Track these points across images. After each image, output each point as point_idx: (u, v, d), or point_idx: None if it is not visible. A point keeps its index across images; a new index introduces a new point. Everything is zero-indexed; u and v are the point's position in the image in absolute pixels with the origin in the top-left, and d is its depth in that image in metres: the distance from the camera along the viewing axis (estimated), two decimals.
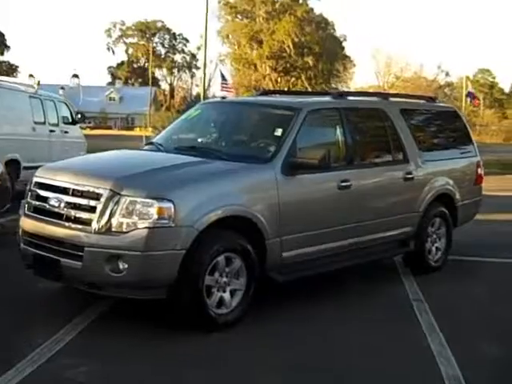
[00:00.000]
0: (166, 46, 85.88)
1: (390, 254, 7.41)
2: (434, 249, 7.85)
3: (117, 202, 5.26)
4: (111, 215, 5.25)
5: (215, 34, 73.00)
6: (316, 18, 69.71)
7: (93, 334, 5.45)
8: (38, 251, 5.66)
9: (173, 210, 5.21)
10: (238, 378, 4.75)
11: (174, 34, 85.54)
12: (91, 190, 5.40)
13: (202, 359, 5.04)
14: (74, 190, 5.52)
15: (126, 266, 5.18)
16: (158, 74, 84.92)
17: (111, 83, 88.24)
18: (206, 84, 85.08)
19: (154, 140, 7.12)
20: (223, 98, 7.80)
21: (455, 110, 8.67)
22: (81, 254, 5.29)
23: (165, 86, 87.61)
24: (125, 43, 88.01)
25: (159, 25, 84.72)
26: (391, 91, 55.01)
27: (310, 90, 68.79)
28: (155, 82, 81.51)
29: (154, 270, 5.23)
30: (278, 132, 6.30)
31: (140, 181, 5.44)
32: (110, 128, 69.05)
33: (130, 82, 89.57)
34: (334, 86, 73.15)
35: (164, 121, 59.42)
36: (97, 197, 5.35)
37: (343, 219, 6.60)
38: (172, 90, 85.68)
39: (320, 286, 6.85)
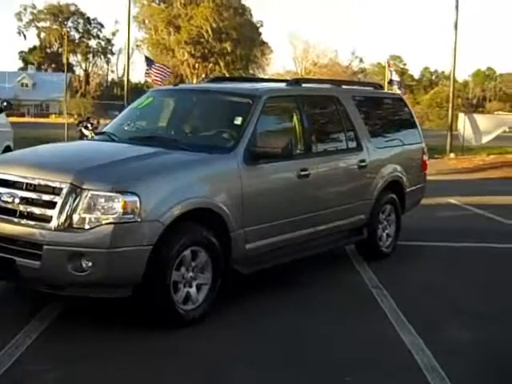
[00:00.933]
0: (80, 30, 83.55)
1: (345, 242, 7.40)
2: (384, 235, 7.90)
3: (78, 197, 4.96)
4: (72, 211, 4.95)
5: (131, 19, 71.71)
6: (234, 3, 69.42)
7: (54, 335, 5.16)
8: None
9: (138, 203, 4.97)
10: (212, 373, 4.60)
11: (88, 18, 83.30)
12: (49, 184, 5.07)
13: (168, 353, 4.87)
14: (29, 184, 5.18)
15: (90, 264, 4.89)
16: (73, 59, 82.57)
17: (23, 68, 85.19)
18: (121, 71, 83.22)
19: (105, 129, 6.79)
20: (176, 85, 7.53)
21: (401, 97, 8.73)
22: (39, 252, 4.96)
23: (79, 71, 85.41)
24: (37, 27, 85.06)
25: (72, 9, 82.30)
26: (310, 77, 55.53)
27: (227, 75, 68.82)
28: (69, 67, 79.15)
29: (120, 268, 4.97)
30: (238, 120, 6.12)
31: (102, 174, 5.15)
32: (23, 115, 66.60)
33: (43, 67, 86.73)
34: (251, 72, 73.30)
35: (80, 107, 58.24)
36: (56, 191, 5.03)
37: (303, 208, 6.51)
38: (87, 76, 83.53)
39: (275, 278, 6.71)
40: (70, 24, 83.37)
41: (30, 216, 5.11)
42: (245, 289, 6.28)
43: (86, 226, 4.93)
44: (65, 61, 61.17)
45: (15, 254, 5.10)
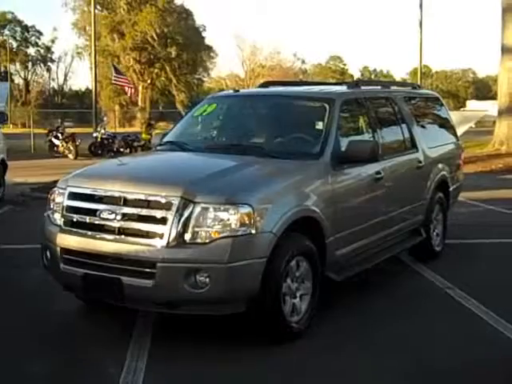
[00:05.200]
0: (18, 38, 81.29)
1: (409, 243, 7.32)
2: (435, 234, 7.88)
3: (190, 211, 4.74)
4: (185, 226, 4.72)
5: (70, 27, 70.42)
6: (177, 8, 68.84)
7: (161, 356, 4.90)
8: (89, 271, 4.98)
9: (252, 215, 4.78)
10: None
11: (25, 26, 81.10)
12: (157, 199, 4.82)
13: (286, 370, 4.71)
14: (133, 199, 4.92)
15: (208, 280, 4.68)
16: (11, 68, 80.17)
17: None
18: (62, 78, 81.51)
19: (169, 139, 6.52)
20: (236, 90, 7.31)
21: (438, 97, 8.74)
22: (152, 270, 4.72)
23: (18, 80, 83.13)
24: None
25: (9, 16, 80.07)
26: (261, 80, 55.64)
27: (174, 81, 68.22)
28: (8, 76, 77.00)
29: (238, 283, 4.78)
30: (319, 125, 6.00)
31: (212, 185, 4.93)
32: None
33: None
34: (197, 76, 72.89)
35: (25, 117, 56.66)
36: (165, 206, 4.79)
37: (378, 212, 6.46)
38: (27, 84, 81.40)
39: (340, 290, 6.45)
40: (7, 32, 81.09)
41: (136, 233, 4.86)
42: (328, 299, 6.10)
43: (201, 241, 4.72)
44: (9, 69, 59.22)
45: (121, 273, 4.83)
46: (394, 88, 7.73)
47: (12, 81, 78.63)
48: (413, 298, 6.43)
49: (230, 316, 5.00)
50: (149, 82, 68.19)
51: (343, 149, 5.85)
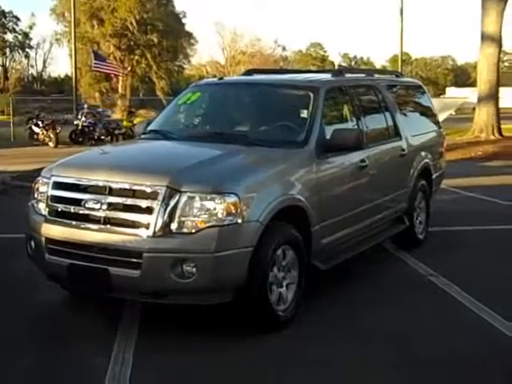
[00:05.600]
0: None
1: (393, 231, 7.35)
2: (417, 222, 7.92)
3: (176, 200, 4.72)
4: (171, 215, 4.71)
5: (49, 12, 69.60)
6: None
7: (149, 345, 4.90)
8: (74, 261, 4.95)
9: (239, 204, 4.77)
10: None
11: (3, 11, 79.93)
12: (143, 188, 4.80)
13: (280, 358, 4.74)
14: (118, 189, 4.89)
15: (194, 269, 4.67)
16: None
17: None
18: (41, 65, 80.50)
19: (153, 127, 6.47)
20: (220, 78, 7.27)
21: (421, 84, 8.76)
22: (138, 260, 4.71)
23: None
24: None
25: None
26: (241, 67, 55.61)
27: (155, 68, 67.72)
28: None
29: (225, 272, 4.78)
30: (304, 113, 6.00)
31: (198, 175, 4.91)
32: None
33: None
34: (177, 63, 72.42)
35: (3, 105, 56.04)
36: (151, 195, 4.77)
37: (363, 200, 6.48)
38: (5, 71, 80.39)
39: (326, 277, 6.47)
40: None
41: (122, 223, 4.83)
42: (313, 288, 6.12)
43: (188, 231, 4.71)
44: None
45: (108, 263, 4.81)
46: (377, 76, 7.73)
47: None
48: (397, 286, 6.47)
49: (216, 306, 5.00)
50: (129, 69, 67.66)
51: (328, 137, 5.85)
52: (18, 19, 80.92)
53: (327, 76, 6.88)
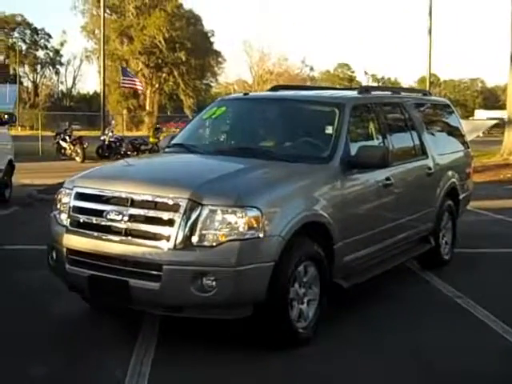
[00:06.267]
0: (28, 41, 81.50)
1: (418, 251, 7.23)
2: (443, 242, 7.79)
3: (198, 213, 4.68)
4: (193, 228, 4.67)
5: (79, 30, 70.64)
6: (186, 13, 69.02)
7: (167, 359, 4.85)
8: (95, 272, 4.93)
9: (260, 218, 4.72)
10: None
11: (35, 28, 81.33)
12: (165, 200, 4.76)
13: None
14: (140, 200, 4.86)
15: (215, 283, 4.62)
16: (20, 70, 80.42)
17: None
18: (71, 81, 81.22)
19: (177, 141, 6.47)
20: (246, 93, 7.27)
21: (449, 103, 8.67)
22: (158, 273, 4.66)
23: (27, 83, 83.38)
24: None
25: (19, 19, 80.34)
26: (268, 86, 55.70)
27: (182, 85, 68.29)
28: (17, 79, 77.24)
29: (246, 287, 4.72)
30: (329, 129, 5.95)
31: (220, 188, 4.87)
32: None
33: None
34: (204, 81, 72.96)
35: (33, 119, 56.83)
36: (172, 208, 4.73)
37: (387, 218, 6.39)
38: (36, 87, 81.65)
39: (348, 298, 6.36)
40: (16, 35, 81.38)
41: (143, 234, 4.80)
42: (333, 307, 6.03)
43: (209, 244, 4.66)
44: (18, 72, 59.36)
45: (128, 275, 4.78)
46: (404, 94, 7.66)
47: (21, 83, 78.94)
48: (420, 306, 6.35)
49: (235, 320, 4.94)
50: (157, 86, 68.34)
51: (353, 154, 5.79)
52: (50, 36, 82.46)
53: (353, 93, 6.83)
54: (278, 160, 5.63)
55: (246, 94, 7.21)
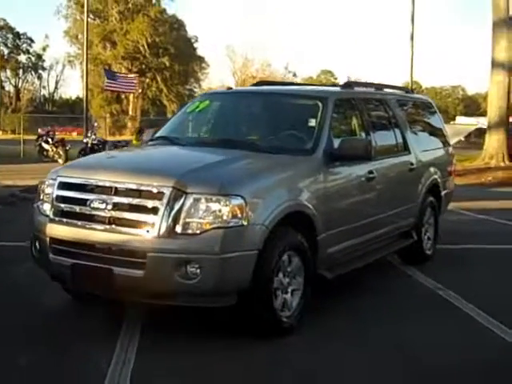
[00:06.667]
0: (10, 45, 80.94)
1: (399, 245, 7.27)
2: (426, 238, 7.85)
3: (182, 201, 4.69)
4: (177, 216, 4.67)
5: (62, 35, 70.43)
6: (169, 18, 69.04)
7: (152, 348, 4.85)
8: (78, 261, 4.92)
9: (244, 207, 4.74)
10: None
11: (17, 33, 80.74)
12: (149, 189, 4.77)
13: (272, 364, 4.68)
14: (124, 189, 4.86)
15: (198, 271, 4.63)
16: (2, 75, 79.86)
17: None
18: (53, 86, 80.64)
19: (161, 134, 6.47)
20: (229, 88, 7.30)
21: (431, 102, 8.74)
22: (142, 261, 4.67)
23: (9, 87, 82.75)
24: None
25: (1, 23, 79.75)
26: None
27: (165, 91, 68.26)
28: None
29: (229, 274, 4.73)
30: (312, 122, 5.98)
31: (204, 176, 4.89)
32: None
33: None
34: (188, 86, 72.96)
35: (15, 124, 56.46)
36: (156, 196, 4.73)
37: (369, 212, 6.43)
38: (18, 91, 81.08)
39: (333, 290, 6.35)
40: None
41: (127, 223, 4.80)
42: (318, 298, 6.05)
43: (192, 232, 4.67)
44: None
45: (112, 263, 4.78)
46: (387, 91, 7.73)
47: (2, 88, 78.50)
48: (404, 298, 6.39)
49: (220, 309, 4.95)
50: (140, 91, 68.22)
51: (336, 146, 5.82)
52: (32, 41, 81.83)
53: (336, 88, 6.89)
54: (261, 152, 5.65)
55: (229, 89, 7.24)
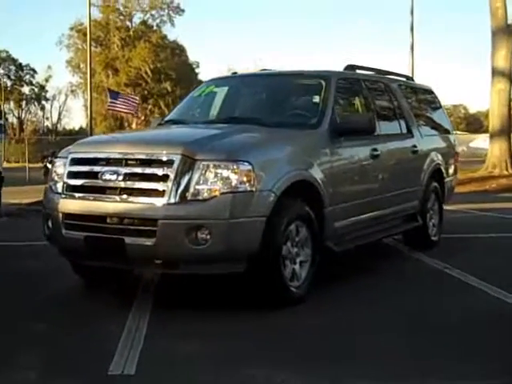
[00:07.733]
0: (13, 77, 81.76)
1: (405, 227, 7.33)
2: (431, 224, 7.90)
3: (191, 168, 4.78)
4: (186, 183, 4.76)
5: (65, 64, 71.07)
6: (170, 44, 69.69)
7: (163, 318, 4.92)
8: (91, 234, 5.00)
9: (252, 172, 4.83)
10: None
11: (20, 64, 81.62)
12: (159, 157, 4.87)
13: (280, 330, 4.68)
14: (134, 159, 4.97)
15: (209, 236, 4.70)
16: (5, 106, 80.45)
17: None
18: (56, 116, 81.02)
19: (170, 118, 6.61)
20: (234, 73, 7.44)
21: (432, 89, 8.84)
22: (153, 228, 4.74)
23: (12, 119, 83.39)
24: None
25: (4, 55, 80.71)
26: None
27: None
28: (2, 115, 77.30)
29: (239, 239, 4.80)
30: (316, 99, 6.11)
31: (212, 144, 5.00)
32: None
33: None
34: None
35: (19, 154, 56.82)
36: (166, 164, 4.83)
37: (375, 189, 6.52)
38: (21, 123, 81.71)
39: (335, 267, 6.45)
40: (1, 71, 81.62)
41: (139, 191, 4.89)
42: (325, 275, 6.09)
43: (202, 198, 4.76)
44: (3, 108, 59.44)
45: (123, 233, 4.86)
46: (390, 77, 7.83)
47: (6, 119, 79.01)
48: (412, 276, 6.47)
49: (227, 283, 5.00)
50: (142, 118, 68.64)
51: (340, 120, 5.93)
52: (35, 72, 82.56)
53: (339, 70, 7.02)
54: (268, 126, 5.76)
55: (234, 73, 7.38)
